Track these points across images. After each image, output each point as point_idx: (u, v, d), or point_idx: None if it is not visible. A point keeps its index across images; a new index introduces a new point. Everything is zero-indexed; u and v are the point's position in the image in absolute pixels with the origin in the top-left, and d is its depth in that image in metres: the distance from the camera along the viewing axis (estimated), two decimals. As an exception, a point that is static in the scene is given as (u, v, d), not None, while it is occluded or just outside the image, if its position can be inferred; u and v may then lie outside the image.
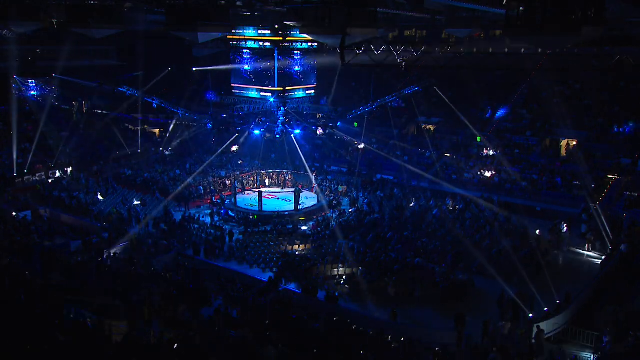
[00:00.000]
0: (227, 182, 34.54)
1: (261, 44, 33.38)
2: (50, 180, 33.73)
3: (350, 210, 30.00)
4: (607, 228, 24.55)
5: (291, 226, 27.43)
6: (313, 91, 37.00)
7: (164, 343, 11.64)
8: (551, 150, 34.23)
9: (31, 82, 44.72)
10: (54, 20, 25.01)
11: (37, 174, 33.91)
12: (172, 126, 41.22)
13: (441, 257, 22.93)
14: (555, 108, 35.65)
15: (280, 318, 16.33)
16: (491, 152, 34.41)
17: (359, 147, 37.15)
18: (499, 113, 36.41)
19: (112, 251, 22.86)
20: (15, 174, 33.35)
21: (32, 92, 44.97)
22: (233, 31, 32.57)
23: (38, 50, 43.83)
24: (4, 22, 22.09)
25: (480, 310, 18.43)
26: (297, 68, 34.49)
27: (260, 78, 34.39)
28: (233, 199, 31.25)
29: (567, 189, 29.62)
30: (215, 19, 19.14)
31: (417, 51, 24.36)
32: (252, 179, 35.49)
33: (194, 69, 40.39)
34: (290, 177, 35.45)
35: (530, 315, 17.47)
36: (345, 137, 37.70)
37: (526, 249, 22.96)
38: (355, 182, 34.06)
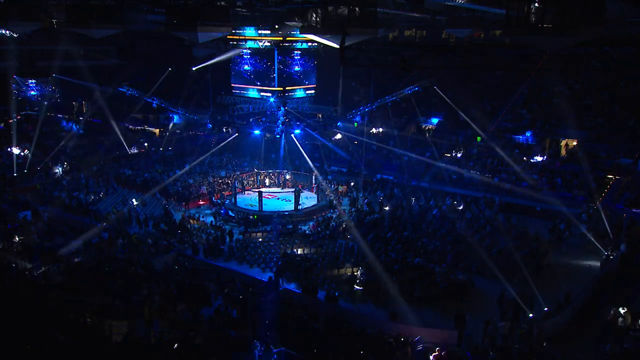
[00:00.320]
0: (227, 182, 34.56)
1: (261, 44, 33.41)
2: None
3: (351, 210, 30.03)
4: (608, 228, 24.56)
5: (291, 226, 27.44)
6: (313, 91, 37.05)
7: (164, 343, 11.66)
8: (551, 150, 34.23)
9: (31, 82, 44.77)
10: (54, 20, 25.03)
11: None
12: (170, 125, 41.31)
13: (441, 257, 22.92)
14: (555, 108, 35.68)
15: (280, 318, 16.34)
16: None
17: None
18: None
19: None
20: (15, 174, 33.40)
21: (32, 92, 45.02)
22: (233, 31, 32.61)
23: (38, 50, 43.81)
24: (4, 22, 22.09)
25: (480, 310, 18.42)
26: (297, 68, 34.52)
27: (260, 78, 34.41)
28: (233, 199, 31.26)
29: (567, 189, 29.61)
30: (215, 19, 19.15)
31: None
32: (252, 179, 35.50)
33: (194, 69, 40.37)
34: (290, 177, 35.46)
35: (531, 315, 17.46)
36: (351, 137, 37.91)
37: (526, 249, 22.96)
38: (356, 182, 34.08)
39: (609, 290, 19.41)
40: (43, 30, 28.44)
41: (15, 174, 33.49)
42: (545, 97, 37.39)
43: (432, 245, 23.92)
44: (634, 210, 26.21)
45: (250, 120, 33.97)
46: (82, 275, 18.68)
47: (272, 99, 34.22)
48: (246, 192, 33.70)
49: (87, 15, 20.03)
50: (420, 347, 15.55)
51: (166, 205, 30.28)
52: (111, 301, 14.79)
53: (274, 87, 33.83)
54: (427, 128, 40.25)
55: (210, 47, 38.48)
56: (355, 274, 21.14)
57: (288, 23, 26.28)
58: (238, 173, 36.42)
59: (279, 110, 32.88)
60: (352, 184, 33.64)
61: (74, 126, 42.44)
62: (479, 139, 35.62)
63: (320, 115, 39.06)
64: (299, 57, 34.32)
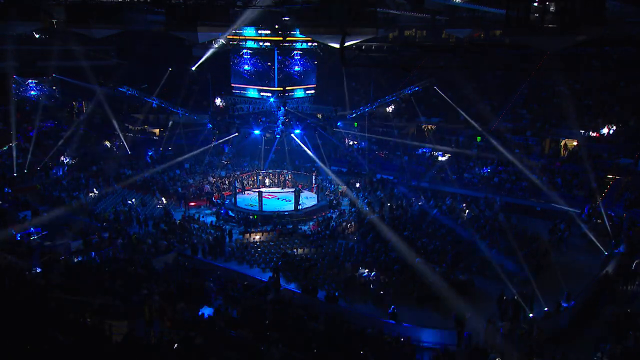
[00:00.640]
0: (227, 182, 34.56)
1: (261, 44, 33.39)
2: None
3: (351, 210, 30.03)
4: (608, 228, 24.57)
5: (291, 226, 27.45)
6: (313, 91, 37.03)
7: (164, 343, 11.65)
8: (551, 150, 34.23)
9: (31, 82, 44.75)
10: (54, 20, 25.03)
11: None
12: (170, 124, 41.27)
13: (441, 257, 22.92)
14: (555, 108, 35.66)
15: (280, 318, 16.34)
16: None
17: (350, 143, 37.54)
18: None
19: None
20: (15, 174, 33.39)
21: (32, 92, 45.01)
22: (233, 31, 32.59)
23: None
24: (4, 22, 22.08)
25: (480, 310, 18.42)
26: (297, 68, 34.50)
27: (260, 78, 34.40)
28: (233, 199, 31.26)
29: (567, 189, 29.60)
30: (215, 19, 19.16)
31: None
32: (252, 179, 35.50)
33: (193, 68, 40.38)
34: (290, 177, 35.46)
35: (531, 315, 17.47)
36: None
37: (526, 249, 22.96)
38: (359, 181, 34.11)
39: (609, 290, 19.41)
40: (43, 30, 28.49)
41: (15, 174, 33.48)
42: (545, 97, 37.38)
43: (432, 245, 23.92)
44: (634, 210, 26.21)
45: (250, 120, 33.93)
46: (82, 275, 18.68)
47: (272, 99, 34.20)
48: (246, 192, 33.71)
49: (87, 15, 20.04)
50: (419, 347, 15.56)
51: (158, 204, 30.25)
52: (111, 301, 14.79)
53: (274, 87, 33.81)
54: (427, 128, 40.26)
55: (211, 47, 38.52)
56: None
57: (287, 22, 26.38)
58: (238, 173, 36.43)
59: (279, 110, 32.86)
60: (357, 185, 33.64)
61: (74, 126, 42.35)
62: (479, 138, 35.60)
63: (320, 115, 39.04)
64: (299, 57, 34.29)
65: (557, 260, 22.87)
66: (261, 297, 19.03)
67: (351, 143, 39.51)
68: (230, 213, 29.49)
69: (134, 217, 28.06)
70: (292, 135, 33.46)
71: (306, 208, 30.34)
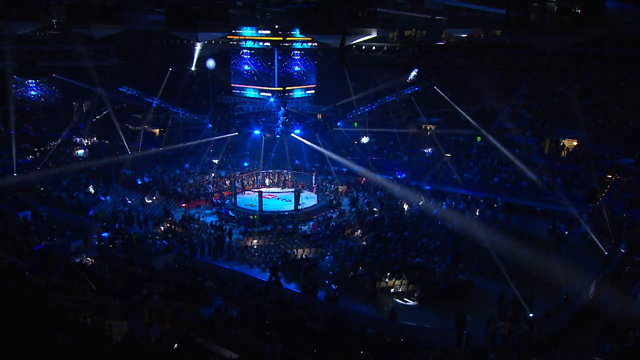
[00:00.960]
0: (227, 182, 34.57)
1: (261, 44, 33.39)
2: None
3: (351, 210, 30.04)
4: (607, 228, 24.56)
5: (291, 226, 27.45)
6: (313, 91, 37.01)
7: (164, 343, 11.65)
8: (551, 150, 34.23)
9: (31, 82, 44.77)
10: (54, 20, 25.02)
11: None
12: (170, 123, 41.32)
13: (441, 257, 22.92)
14: (555, 108, 35.66)
15: (280, 318, 16.33)
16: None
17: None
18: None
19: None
20: (15, 174, 33.39)
21: (32, 92, 45.03)
22: (233, 31, 32.59)
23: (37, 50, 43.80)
24: (4, 22, 22.06)
25: (480, 310, 18.44)
26: (297, 68, 34.49)
27: (260, 78, 34.38)
28: (233, 199, 31.27)
29: (567, 189, 29.61)
30: (215, 19, 19.15)
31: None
32: (252, 179, 35.50)
33: (192, 68, 40.40)
34: (290, 177, 35.45)
35: (531, 315, 17.47)
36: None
37: (526, 249, 22.93)
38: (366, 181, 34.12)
39: (609, 290, 19.40)
40: (43, 30, 28.47)
41: (15, 174, 33.48)
42: (545, 97, 37.38)
43: (432, 245, 23.92)
44: (634, 210, 26.20)
45: (250, 120, 33.93)
46: (82, 275, 18.66)
47: (272, 99, 34.18)
48: (246, 192, 33.71)
49: (87, 15, 20.01)
50: (420, 347, 15.56)
51: (145, 200, 30.35)
52: (111, 301, 14.78)
53: (274, 87, 33.79)
54: (427, 127, 40.28)
55: (211, 47, 38.51)
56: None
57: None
58: (238, 173, 36.43)
59: (279, 110, 32.85)
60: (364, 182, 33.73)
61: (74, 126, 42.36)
62: (479, 138, 35.61)
63: (320, 116, 39.04)
64: (299, 57, 34.28)
65: (557, 260, 22.89)
66: (261, 297, 19.02)
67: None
68: (230, 213, 29.50)
69: (134, 217, 28.07)
70: (299, 136, 33.45)
71: (306, 208, 30.35)
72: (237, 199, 31.31)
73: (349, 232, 26.68)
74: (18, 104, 42.38)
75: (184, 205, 30.49)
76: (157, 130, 44.47)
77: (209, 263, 23.76)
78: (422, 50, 26.54)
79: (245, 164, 38.68)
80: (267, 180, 35.40)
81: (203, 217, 28.95)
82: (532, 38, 12.13)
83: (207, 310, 16.94)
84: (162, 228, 27.07)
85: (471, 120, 35.06)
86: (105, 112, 41.56)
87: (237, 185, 33.08)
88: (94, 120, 42.29)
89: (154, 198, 31.08)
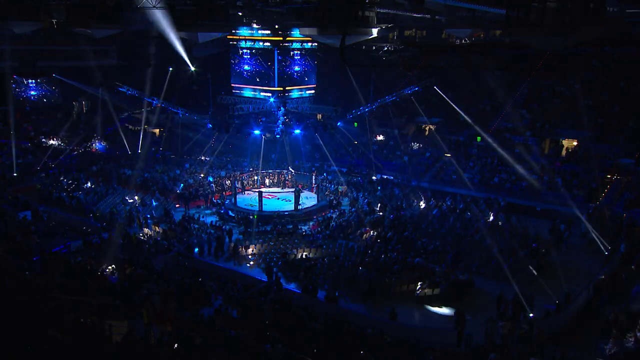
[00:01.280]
0: (227, 182, 34.57)
1: (261, 44, 33.42)
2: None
3: (351, 210, 30.04)
4: (607, 228, 24.55)
5: (291, 226, 27.44)
6: (313, 91, 37.05)
7: (164, 343, 11.65)
8: (551, 150, 34.23)
9: (31, 82, 44.78)
10: (54, 20, 25.02)
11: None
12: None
13: (441, 257, 22.93)
14: (555, 108, 35.65)
15: (280, 318, 16.33)
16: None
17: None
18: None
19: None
20: (15, 174, 33.40)
21: (32, 92, 45.04)
22: (233, 31, 32.64)
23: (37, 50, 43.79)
24: (4, 22, 22.08)
25: (480, 310, 18.43)
26: (297, 68, 34.52)
27: (260, 78, 34.42)
28: (233, 199, 31.26)
29: (567, 189, 29.61)
30: (215, 19, 19.17)
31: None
32: (252, 179, 35.50)
33: (192, 68, 40.42)
34: (290, 177, 35.45)
35: (531, 315, 17.46)
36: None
37: (526, 249, 22.96)
38: (359, 181, 34.15)
39: (609, 290, 19.39)
40: (43, 30, 28.47)
41: (15, 174, 33.50)
42: (545, 97, 37.38)
43: (432, 245, 23.91)
44: (634, 210, 26.20)
45: (250, 120, 33.97)
46: (82, 275, 18.66)
47: (272, 99, 34.22)
48: (246, 192, 33.71)
49: (87, 15, 20.03)
50: (420, 347, 15.54)
51: (145, 200, 30.34)
52: (111, 301, 14.78)
53: (274, 87, 33.83)
54: (427, 127, 40.31)
55: (211, 47, 38.53)
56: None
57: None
58: (238, 173, 36.43)
59: (279, 110, 32.88)
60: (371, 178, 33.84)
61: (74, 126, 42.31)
62: (479, 138, 35.62)
63: (320, 116, 39.07)
64: (299, 57, 34.30)
65: (557, 260, 22.92)
66: (261, 297, 19.02)
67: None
68: (230, 213, 29.50)
69: (135, 217, 28.06)
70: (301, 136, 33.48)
71: (306, 208, 30.36)
72: (237, 199, 31.31)
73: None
74: (18, 104, 42.41)
75: (177, 205, 30.54)
76: (157, 130, 44.48)
77: (209, 263, 23.76)
78: (422, 50, 26.54)
79: (245, 164, 38.71)
80: (267, 180, 35.40)
81: (203, 217, 28.95)
82: (532, 38, 12.14)
83: (207, 310, 16.94)
84: (158, 229, 27.01)
85: (469, 121, 35.03)
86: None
87: (237, 185, 33.07)
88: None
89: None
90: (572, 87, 36.91)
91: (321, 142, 35.37)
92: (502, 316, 17.77)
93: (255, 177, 35.28)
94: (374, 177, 34.90)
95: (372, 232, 26.26)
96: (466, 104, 37.43)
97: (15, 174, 33.42)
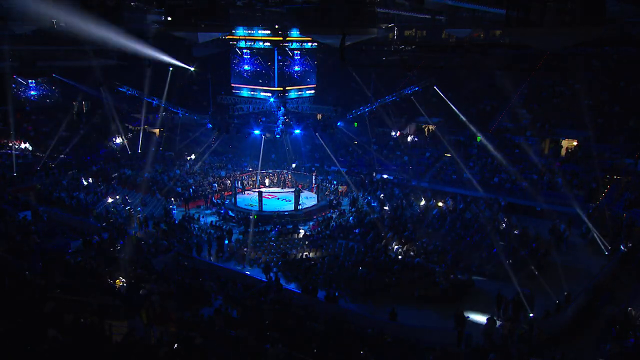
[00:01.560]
0: (227, 182, 34.58)
1: (261, 44, 33.42)
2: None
3: (351, 210, 30.05)
4: (607, 228, 24.55)
5: (291, 226, 27.44)
6: (313, 91, 37.03)
7: (164, 343, 11.64)
8: (551, 150, 34.22)
9: (31, 82, 44.77)
10: (54, 20, 24.98)
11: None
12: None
13: (441, 257, 22.93)
14: (555, 108, 35.63)
15: (280, 318, 16.33)
16: None
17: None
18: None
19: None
20: (15, 174, 33.39)
21: (32, 92, 45.02)
22: (233, 31, 32.63)
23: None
24: (4, 22, 22.07)
25: (480, 310, 18.43)
26: (297, 68, 34.50)
27: (260, 78, 34.40)
28: (233, 199, 31.27)
29: (568, 189, 29.60)
30: (215, 19, 19.13)
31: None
32: (253, 179, 35.50)
33: (192, 69, 40.38)
34: (290, 177, 35.46)
35: (531, 315, 17.47)
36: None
37: (526, 249, 22.97)
38: (356, 181, 34.15)
39: (609, 290, 19.41)
40: (43, 30, 28.42)
41: (15, 174, 33.48)
42: (545, 97, 37.37)
43: (432, 245, 23.92)
44: (634, 210, 26.20)
45: (250, 120, 33.98)
46: (82, 275, 18.66)
47: (272, 99, 34.21)
48: (246, 192, 33.72)
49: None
50: (420, 347, 15.55)
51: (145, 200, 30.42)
52: (111, 301, 14.77)
53: (274, 87, 33.81)
54: (427, 127, 40.32)
55: (211, 47, 38.50)
56: None
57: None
58: (238, 173, 36.43)
59: (279, 110, 32.89)
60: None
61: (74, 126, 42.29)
62: (479, 138, 35.62)
63: (319, 116, 39.08)
64: (299, 57, 34.28)
65: (557, 260, 22.93)
66: (261, 297, 19.02)
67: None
68: (231, 213, 29.50)
69: (135, 217, 28.05)
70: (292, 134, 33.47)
71: (306, 208, 30.36)
72: (237, 199, 31.32)
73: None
74: (18, 104, 42.39)
75: (173, 203, 30.60)
76: (157, 130, 44.48)
77: (209, 263, 23.77)
78: (422, 50, 26.52)
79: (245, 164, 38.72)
80: (267, 180, 35.40)
81: (203, 217, 28.95)
82: (532, 38, 12.13)
83: (207, 310, 16.94)
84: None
85: (465, 120, 34.98)
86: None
87: (237, 185, 33.09)
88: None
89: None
90: (572, 87, 36.91)
91: (322, 142, 35.34)
92: (502, 316, 17.78)
93: (255, 177, 35.30)
94: (373, 177, 34.89)
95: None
96: (466, 104, 37.41)
97: (15, 174, 33.40)
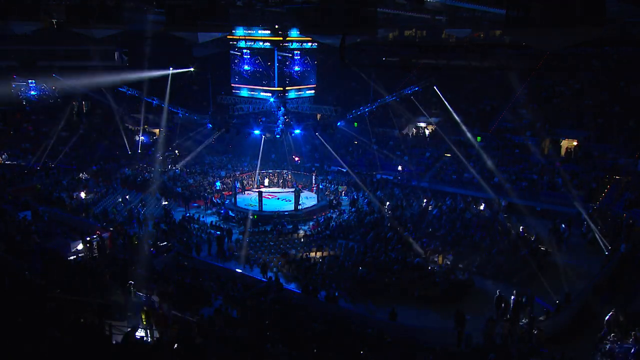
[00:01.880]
0: (227, 181, 34.59)
1: (261, 43, 33.41)
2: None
3: (351, 210, 30.04)
4: (607, 228, 24.54)
5: (291, 226, 27.44)
6: (313, 91, 37.02)
7: (164, 343, 11.65)
8: (551, 150, 34.21)
9: (31, 82, 44.80)
10: (54, 20, 25.02)
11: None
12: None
13: (441, 257, 22.90)
14: (555, 108, 35.63)
15: (280, 318, 16.33)
16: None
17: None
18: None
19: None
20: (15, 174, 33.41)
21: (32, 92, 45.05)
22: (233, 31, 32.62)
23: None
24: (4, 22, 22.03)
25: (480, 310, 18.43)
26: (297, 68, 34.49)
27: (260, 78, 34.38)
28: (233, 199, 31.27)
29: (567, 189, 29.61)
30: (215, 19, 19.10)
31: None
32: (252, 179, 35.50)
33: (191, 68, 40.42)
34: (290, 177, 35.46)
35: (531, 315, 17.45)
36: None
37: (526, 249, 22.96)
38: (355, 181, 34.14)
39: (609, 290, 19.40)
40: (43, 30, 28.45)
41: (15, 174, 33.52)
42: (545, 97, 37.38)
43: (432, 245, 23.90)
44: (634, 210, 26.20)
45: (250, 120, 33.98)
46: (82, 275, 18.66)
47: (272, 99, 34.20)
48: (246, 192, 33.71)
49: (87, 15, 19.99)
50: (420, 347, 15.54)
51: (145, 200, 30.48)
52: (111, 301, 14.79)
53: (274, 87, 33.80)
54: (427, 127, 40.31)
55: (211, 47, 38.51)
56: None
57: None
58: (238, 173, 36.42)
59: (279, 110, 32.88)
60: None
61: (74, 126, 42.28)
62: (479, 139, 35.62)
63: (319, 116, 39.08)
64: (299, 57, 34.27)
65: (557, 260, 22.92)
66: (261, 297, 19.02)
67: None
68: (231, 213, 29.50)
69: (134, 217, 28.06)
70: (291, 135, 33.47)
71: (306, 208, 30.35)
72: (237, 199, 31.31)
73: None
74: (18, 104, 42.43)
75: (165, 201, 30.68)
76: (157, 131, 44.49)
77: (209, 263, 23.76)
78: (422, 50, 26.51)
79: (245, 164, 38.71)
80: (266, 180, 35.40)
81: (203, 217, 28.95)
82: (532, 38, 12.12)
83: (207, 310, 16.94)
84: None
85: (461, 124, 34.93)
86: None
87: (237, 185, 33.09)
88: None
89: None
90: (572, 87, 36.92)
91: (323, 142, 35.34)
92: (502, 316, 17.76)
93: (254, 177, 35.29)
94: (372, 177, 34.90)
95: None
96: (466, 104, 37.42)
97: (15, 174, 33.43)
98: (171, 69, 40.85)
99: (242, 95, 35.27)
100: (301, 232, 27.01)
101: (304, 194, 32.18)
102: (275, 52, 32.77)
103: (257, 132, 32.66)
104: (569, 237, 25.25)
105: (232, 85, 36.23)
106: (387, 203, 29.70)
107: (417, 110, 38.43)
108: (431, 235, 25.25)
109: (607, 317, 16.52)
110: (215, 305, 17.80)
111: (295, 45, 33.50)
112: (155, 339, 12.81)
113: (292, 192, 31.18)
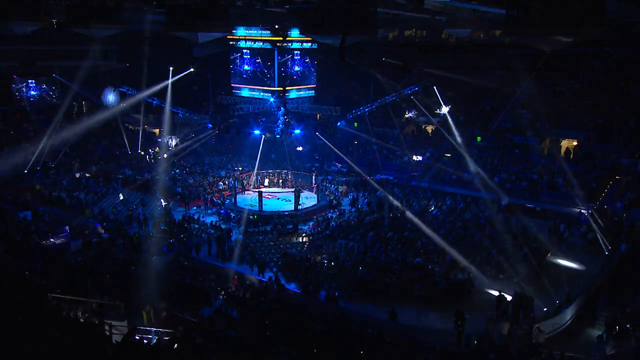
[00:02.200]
0: (228, 181, 34.58)
1: (261, 43, 33.43)
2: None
3: (351, 210, 30.04)
4: (607, 228, 24.54)
5: (291, 226, 27.43)
6: (313, 91, 37.05)
7: (164, 343, 11.65)
8: (551, 150, 34.21)
9: (31, 82, 44.79)
10: (54, 20, 25.02)
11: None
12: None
13: (441, 257, 22.91)
14: (555, 108, 35.62)
15: (280, 318, 16.34)
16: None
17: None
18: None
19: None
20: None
21: (32, 92, 45.04)
22: (233, 31, 32.64)
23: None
24: (4, 22, 22.02)
25: (480, 310, 18.43)
26: (297, 68, 34.50)
27: (260, 78, 34.40)
28: (233, 199, 31.26)
29: (567, 189, 29.60)
30: (215, 19, 19.10)
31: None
32: (252, 179, 35.49)
33: (191, 69, 40.36)
34: (290, 177, 35.45)
35: (531, 315, 17.46)
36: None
37: (526, 249, 22.95)
38: (354, 182, 34.16)
39: (609, 290, 19.40)
40: (43, 30, 28.45)
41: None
42: (545, 97, 37.37)
43: (432, 245, 23.90)
44: (634, 210, 26.19)
45: (250, 120, 34.01)
46: (82, 275, 18.68)
47: (272, 99, 34.22)
48: (246, 192, 33.71)
49: (87, 15, 19.99)
50: (420, 347, 15.54)
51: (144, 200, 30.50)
52: (111, 301, 14.79)
53: (274, 87, 33.82)
54: (426, 128, 40.30)
55: (211, 47, 38.47)
56: None
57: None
58: (238, 173, 36.41)
59: (279, 110, 32.91)
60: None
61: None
62: (479, 138, 35.62)
63: (319, 116, 39.10)
64: (298, 57, 34.28)
65: (557, 260, 22.92)
66: (261, 297, 19.03)
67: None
68: (231, 213, 29.50)
69: (134, 217, 28.06)
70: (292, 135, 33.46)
71: (306, 208, 30.35)
72: (237, 199, 31.31)
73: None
74: (18, 104, 42.41)
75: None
76: (157, 130, 44.49)
77: (209, 263, 23.76)
78: (422, 50, 26.49)
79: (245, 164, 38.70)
80: (266, 180, 35.39)
81: (203, 217, 28.94)
82: (532, 38, 12.12)
83: (207, 310, 16.95)
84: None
85: (454, 129, 34.90)
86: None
87: (237, 185, 33.09)
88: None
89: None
90: (572, 87, 36.91)
91: (324, 141, 35.34)
92: (502, 316, 17.77)
93: (254, 177, 35.29)
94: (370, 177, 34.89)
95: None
96: (466, 104, 37.40)
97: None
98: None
99: (242, 95, 35.29)
100: (302, 237, 26.91)
101: (304, 194, 32.18)
102: (275, 52, 32.82)
103: (257, 132, 32.65)
104: (569, 237, 25.25)
105: (232, 85, 36.25)
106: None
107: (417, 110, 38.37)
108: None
109: (607, 317, 16.54)
110: (215, 305, 17.81)
111: (295, 45, 33.51)
112: (155, 339, 12.81)
113: (292, 192, 31.17)
